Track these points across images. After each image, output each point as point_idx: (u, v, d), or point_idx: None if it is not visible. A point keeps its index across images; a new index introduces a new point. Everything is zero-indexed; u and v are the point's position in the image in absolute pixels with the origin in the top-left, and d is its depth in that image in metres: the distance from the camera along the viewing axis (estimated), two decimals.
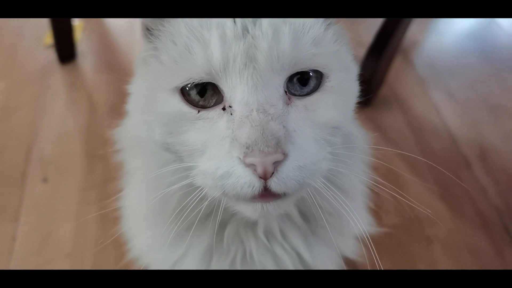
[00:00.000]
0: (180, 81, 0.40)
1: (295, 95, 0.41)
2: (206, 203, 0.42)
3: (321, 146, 0.41)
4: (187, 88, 0.40)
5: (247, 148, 0.36)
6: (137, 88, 0.47)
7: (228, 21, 0.40)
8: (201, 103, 0.41)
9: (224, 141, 0.38)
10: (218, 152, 0.39)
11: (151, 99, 0.43)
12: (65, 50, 1.33)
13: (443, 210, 0.98)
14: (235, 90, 0.39)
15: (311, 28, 0.41)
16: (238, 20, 0.40)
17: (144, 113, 0.45)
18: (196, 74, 0.39)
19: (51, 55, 1.35)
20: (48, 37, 1.40)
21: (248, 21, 0.40)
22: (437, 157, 1.08)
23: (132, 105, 0.48)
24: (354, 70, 0.46)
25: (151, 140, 0.45)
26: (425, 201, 0.99)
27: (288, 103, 0.40)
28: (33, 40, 1.44)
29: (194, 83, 0.40)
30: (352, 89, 0.46)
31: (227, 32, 0.39)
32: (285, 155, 0.37)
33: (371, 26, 1.18)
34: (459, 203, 0.99)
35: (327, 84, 0.42)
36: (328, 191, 0.40)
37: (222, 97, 0.40)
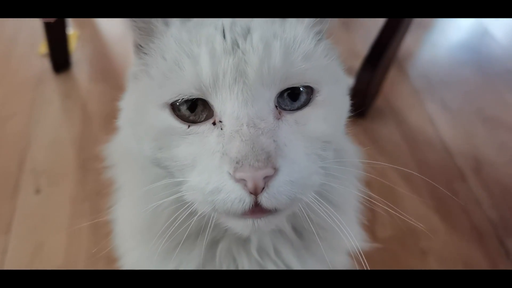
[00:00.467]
0: (170, 97, 0.40)
1: (285, 109, 0.41)
2: (195, 218, 0.41)
3: (312, 160, 0.40)
4: (177, 104, 0.40)
5: (237, 163, 0.36)
6: (127, 103, 0.47)
7: (217, 36, 0.40)
8: (191, 118, 0.40)
9: (214, 156, 0.38)
10: (208, 167, 0.38)
11: (141, 114, 0.43)
12: (60, 59, 1.32)
13: (438, 223, 0.97)
14: (225, 104, 0.39)
15: (301, 42, 0.41)
16: (228, 34, 0.40)
17: (134, 127, 0.45)
18: (186, 89, 0.39)
19: (45, 64, 1.35)
20: (42, 46, 1.39)
21: (238, 35, 0.40)
22: (431, 169, 1.08)
23: (123, 120, 0.48)
24: (344, 84, 0.46)
25: (142, 155, 0.45)
26: (419, 214, 0.99)
27: (278, 117, 0.40)
28: (27, 48, 1.43)
29: (184, 99, 0.40)
30: (342, 103, 0.46)
31: (217, 47, 0.39)
32: (275, 169, 0.36)
33: (366, 37, 1.18)
34: (454, 215, 0.99)
35: (318, 98, 0.42)
36: (320, 206, 0.40)
37: (213, 112, 0.40)
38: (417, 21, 1.29)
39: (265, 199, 0.37)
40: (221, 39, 0.40)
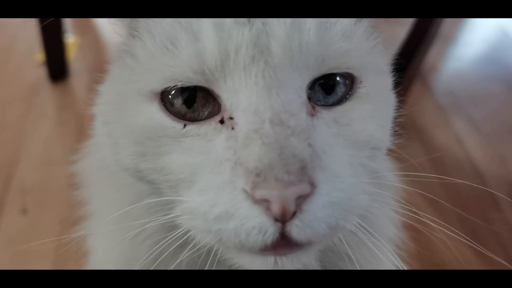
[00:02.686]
0: (159, 83, 0.30)
1: (318, 105, 0.31)
2: (187, 253, 0.32)
3: (358, 173, 0.31)
4: (169, 96, 0.30)
5: (257, 175, 0.26)
6: (103, 98, 0.37)
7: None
8: (188, 115, 0.31)
9: (223, 167, 0.28)
10: (214, 183, 0.29)
11: (119, 109, 0.33)
12: (57, 67, 1.26)
13: (470, 256, 0.88)
14: (239, 94, 0.29)
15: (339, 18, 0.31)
16: None
17: (110, 128, 0.34)
18: (181, 73, 0.30)
19: (42, 73, 1.28)
20: (39, 54, 1.33)
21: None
22: (461, 195, 0.99)
23: (97, 125, 0.38)
24: (389, 76, 0.37)
25: (119, 165, 0.34)
26: (449, 245, 0.89)
27: (312, 113, 0.30)
28: (23, 57, 1.37)
29: (178, 87, 0.30)
30: (390, 98, 0.36)
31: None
32: (313, 186, 0.27)
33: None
34: (488, 247, 0.90)
35: (361, 91, 0.32)
36: (365, 235, 0.31)
37: (219, 106, 0.30)
38: (440, 34, 1.22)
39: (297, 229, 0.27)
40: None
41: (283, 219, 0.26)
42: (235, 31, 0.29)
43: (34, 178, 1.01)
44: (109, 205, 0.39)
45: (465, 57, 1.41)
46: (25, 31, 1.45)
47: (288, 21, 0.29)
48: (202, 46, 0.29)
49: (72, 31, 1.45)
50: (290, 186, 0.26)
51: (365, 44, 0.33)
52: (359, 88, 0.32)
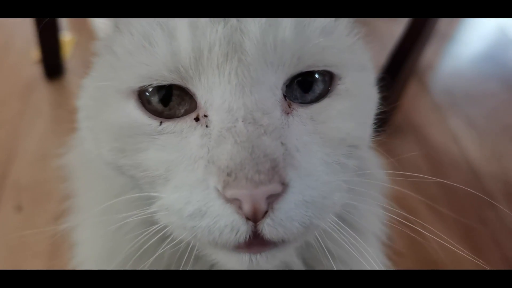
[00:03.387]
0: (135, 81, 0.30)
1: (295, 102, 0.31)
2: (167, 245, 0.31)
3: (333, 171, 0.31)
4: (146, 94, 0.30)
5: (228, 174, 0.26)
6: (86, 92, 0.37)
7: None
8: (165, 113, 0.31)
9: (196, 165, 0.29)
10: (188, 180, 0.29)
11: (99, 103, 0.33)
12: (52, 65, 1.25)
13: (462, 256, 0.88)
14: (213, 92, 0.29)
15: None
16: None
17: (91, 122, 0.35)
18: (156, 72, 0.30)
19: (37, 71, 1.28)
20: (35, 52, 1.33)
21: None
22: (456, 193, 0.98)
23: (81, 117, 0.38)
24: (371, 72, 0.36)
25: (101, 160, 0.34)
26: (444, 244, 0.89)
27: (288, 111, 0.30)
28: (19, 55, 1.37)
29: (154, 85, 0.30)
30: (371, 95, 0.35)
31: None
32: (284, 185, 0.27)
33: (384, 48, 1.10)
34: (483, 246, 0.89)
35: (340, 88, 0.32)
36: (341, 232, 0.30)
37: (195, 104, 0.30)
38: (437, 32, 1.22)
39: (269, 228, 0.27)
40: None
41: (254, 218, 0.26)
42: (209, 29, 0.29)
43: (30, 176, 1.01)
44: (94, 198, 0.39)
45: (462, 55, 1.40)
46: (21, 29, 1.45)
47: (262, 21, 0.29)
48: (177, 44, 0.29)
49: (68, 29, 1.44)
50: (260, 185, 0.26)
51: (345, 40, 0.33)
52: (338, 85, 0.32)
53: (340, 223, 0.30)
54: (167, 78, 0.30)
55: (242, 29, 0.29)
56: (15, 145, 1.08)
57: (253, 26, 0.29)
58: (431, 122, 1.16)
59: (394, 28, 1.06)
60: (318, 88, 0.31)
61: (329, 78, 0.32)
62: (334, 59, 0.31)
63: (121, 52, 0.32)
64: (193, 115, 0.30)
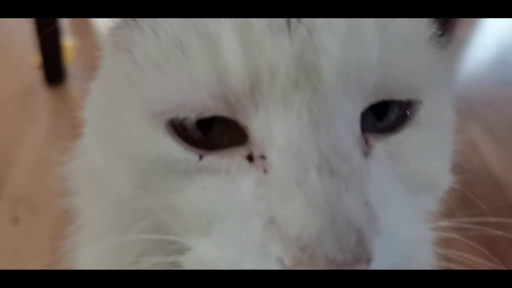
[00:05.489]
0: (165, 107, 0.24)
1: (367, 132, 0.25)
2: None
3: (418, 223, 0.25)
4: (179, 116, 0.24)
5: (301, 250, 0.20)
6: (95, 101, 0.31)
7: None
8: (204, 141, 0.24)
9: (252, 223, 0.22)
10: (239, 239, 0.23)
11: (112, 122, 0.27)
12: (53, 70, 1.23)
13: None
14: (274, 129, 0.23)
15: (405, 21, 0.24)
16: None
17: (101, 139, 0.28)
18: (195, 100, 0.23)
19: (37, 76, 1.25)
20: (36, 56, 1.31)
21: None
22: (477, 205, 0.93)
23: (89, 125, 0.32)
24: (450, 86, 0.30)
25: (114, 188, 0.28)
26: (465, 257, 0.84)
27: (366, 151, 0.24)
28: (19, 59, 1.35)
29: (192, 119, 0.23)
30: (450, 118, 0.30)
31: (255, 21, 0.22)
32: (369, 260, 0.21)
33: None
34: (507, 261, 0.84)
35: (421, 114, 0.26)
36: None
37: (245, 134, 0.24)
38: (452, 36, 1.18)
39: None
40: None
41: None
42: (269, 42, 0.22)
43: (27, 186, 0.98)
44: (99, 220, 0.34)
45: (480, 60, 1.37)
46: (22, 33, 1.42)
47: (342, 27, 0.22)
48: (223, 63, 0.22)
49: (70, 33, 1.42)
50: (343, 267, 0.20)
51: (429, 51, 0.27)
52: (419, 110, 0.26)
53: None
54: (210, 108, 0.23)
55: (316, 45, 0.22)
56: (12, 154, 1.06)
57: (331, 40, 0.22)
58: None
59: None
60: (394, 113, 0.25)
61: (407, 103, 0.26)
62: (420, 82, 0.25)
63: (143, 59, 0.25)
64: (244, 150, 0.24)
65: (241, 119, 0.24)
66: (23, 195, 0.96)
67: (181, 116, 0.23)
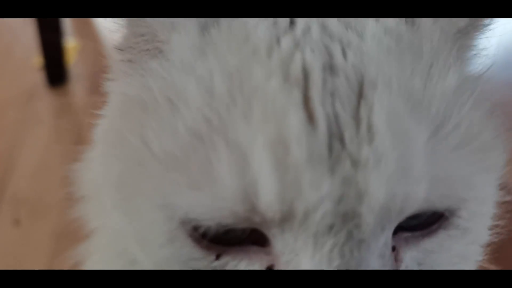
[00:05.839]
0: (185, 210, 0.22)
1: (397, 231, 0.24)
2: None
3: None
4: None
5: None
6: (96, 166, 0.30)
7: (291, 108, 0.20)
8: (221, 238, 0.23)
9: None
10: None
11: (128, 200, 0.26)
12: (55, 72, 1.23)
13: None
14: (300, 258, 0.22)
15: (462, 120, 0.23)
16: (317, 99, 0.21)
17: (112, 202, 0.28)
18: (219, 214, 0.21)
19: (39, 78, 1.25)
20: (38, 58, 1.31)
21: (342, 104, 0.21)
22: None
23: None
24: (498, 170, 0.28)
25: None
26: None
27: (396, 267, 0.23)
28: (21, 61, 1.35)
29: (211, 228, 0.22)
30: (490, 212, 0.28)
31: (294, 147, 0.20)
32: None
33: None
34: (507, 261, 0.84)
35: (458, 221, 0.24)
36: None
37: (265, 238, 0.23)
38: None
39: None
40: (300, 117, 0.20)
41: None
42: (308, 178, 0.20)
43: (29, 188, 0.99)
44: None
45: (482, 63, 1.36)
46: (23, 34, 1.43)
47: (391, 157, 0.20)
48: (252, 187, 0.20)
49: (72, 34, 1.42)
50: None
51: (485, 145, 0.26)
52: (454, 217, 0.24)
53: None
54: (236, 223, 0.22)
55: (359, 188, 0.20)
56: (14, 156, 1.06)
57: (377, 180, 0.20)
58: None
59: None
60: (425, 214, 0.23)
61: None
62: (462, 191, 0.23)
63: (159, 152, 0.23)
64: (264, 259, 0.22)
65: (266, 232, 0.22)
66: (25, 197, 0.97)
67: (199, 223, 0.22)
